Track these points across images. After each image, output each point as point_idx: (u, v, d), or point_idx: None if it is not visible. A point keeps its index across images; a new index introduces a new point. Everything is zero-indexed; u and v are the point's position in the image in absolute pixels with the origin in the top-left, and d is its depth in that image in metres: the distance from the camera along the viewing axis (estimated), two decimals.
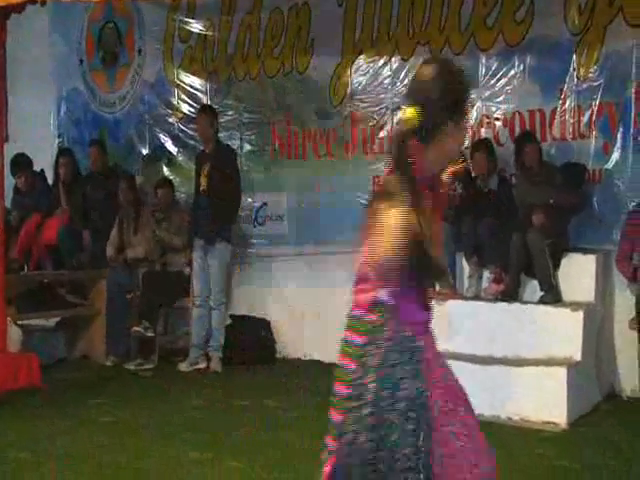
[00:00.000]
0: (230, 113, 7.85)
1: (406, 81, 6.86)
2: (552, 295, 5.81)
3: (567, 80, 6.18)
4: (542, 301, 5.81)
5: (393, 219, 2.26)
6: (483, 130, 6.55)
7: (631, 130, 5.97)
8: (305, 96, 7.45)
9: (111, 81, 8.88)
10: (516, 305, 5.85)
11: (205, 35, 8.00)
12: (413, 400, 2.35)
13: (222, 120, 7.56)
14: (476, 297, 6.11)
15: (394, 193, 2.30)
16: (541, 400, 5.31)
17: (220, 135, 7.32)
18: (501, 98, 6.50)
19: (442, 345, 2.59)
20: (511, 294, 5.92)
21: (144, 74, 8.57)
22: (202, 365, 7.05)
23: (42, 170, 8.16)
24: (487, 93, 6.50)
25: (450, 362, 2.55)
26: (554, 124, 6.27)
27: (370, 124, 7.10)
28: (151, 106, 8.49)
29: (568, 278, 5.90)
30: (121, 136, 8.77)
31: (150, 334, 7.11)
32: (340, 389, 2.41)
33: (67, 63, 9.16)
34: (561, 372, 5.33)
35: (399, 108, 6.94)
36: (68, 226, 7.71)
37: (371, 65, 7.09)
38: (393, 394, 2.34)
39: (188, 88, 8.17)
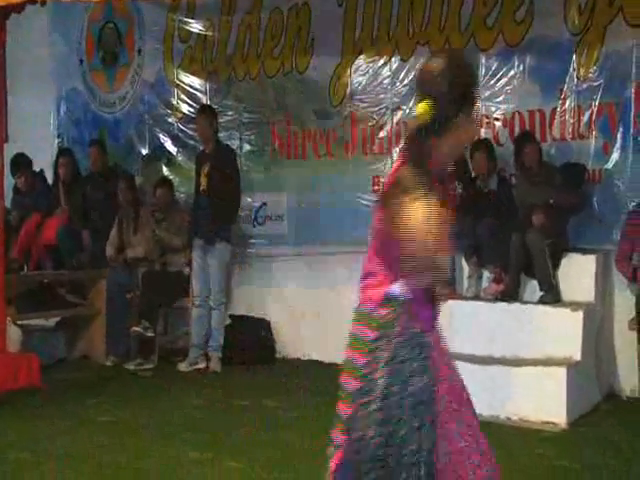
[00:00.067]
0: (230, 113, 7.84)
1: (406, 81, 6.88)
2: (552, 295, 5.81)
3: (567, 80, 6.18)
4: (542, 301, 5.81)
5: (421, 211, 2.25)
6: (483, 130, 6.55)
7: (631, 130, 5.97)
8: (305, 96, 7.45)
9: (111, 81, 8.88)
10: (516, 305, 5.86)
11: (205, 35, 8.00)
12: (421, 396, 2.35)
13: (222, 120, 7.56)
14: (476, 297, 6.12)
15: (412, 187, 2.29)
16: (541, 400, 5.31)
17: (220, 135, 7.32)
18: (501, 98, 6.49)
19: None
20: (511, 294, 5.92)
21: (144, 74, 8.56)
22: (202, 365, 7.05)
23: (42, 170, 8.17)
24: (487, 93, 6.49)
25: None
26: (554, 124, 6.27)
27: (370, 124, 7.10)
28: (151, 106, 8.48)
29: (568, 278, 5.90)
30: (121, 136, 8.76)
31: (150, 334, 7.10)
32: (350, 384, 2.42)
33: (67, 63, 9.16)
34: (561, 372, 5.34)
35: (399, 108, 6.97)
36: (68, 226, 7.71)
37: (371, 65, 7.09)
38: (402, 390, 2.35)
39: (188, 88, 8.17)
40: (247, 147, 7.81)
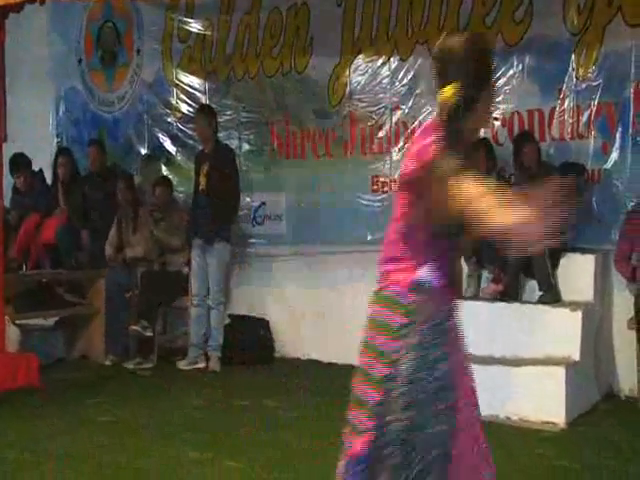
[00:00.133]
0: (229, 113, 7.84)
1: (405, 81, 6.89)
2: (551, 295, 5.82)
3: (566, 80, 6.18)
4: (541, 301, 5.81)
5: (475, 188, 2.24)
6: (482, 130, 6.54)
7: (630, 130, 5.97)
8: (304, 96, 7.44)
9: (110, 81, 8.88)
10: (515, 305, 5.86)
11: (204, 35, 8.00)
12: (444, 381, 2.38)
13: (221, 120, 7.55)
14: (475, 297, 6.12)
15: (452, 168, 2.29)
16: (540, 400, 5.32)
17: (219, 135, 7.32)
18: (500, 98, 6.49)
19: None
20: (510, 294, 5.92)
21: (143, 74, 8.56)
22: (201, 364, 7.05)
23: (41, 170, 8.15)
24: None
25: None
26: (553, 124, 6.26)
27: (369, 124, 7.10)
28: (150, 106, 8.48)
29: (567, 278, 5.90)
30: (120, 136, 8.76)
31: (149, 333, 7.10)
32: (377, 369, 2.43)
33: (66, 63, 9.15)
34: (560, 372, 5.34)
35: (398, 107, 6.97)
36: (67, 226, 7.70)
37: (370, 65, 7.08)
38: (428, 375, 2.37)
39: (187, 88, 8.17)
40: (246, 147, 7.81)
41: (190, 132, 8.01)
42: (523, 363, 5.50)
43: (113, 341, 7.38)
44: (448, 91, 2.39)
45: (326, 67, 7.26)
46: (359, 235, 7.01)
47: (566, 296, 5.87)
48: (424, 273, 2.41)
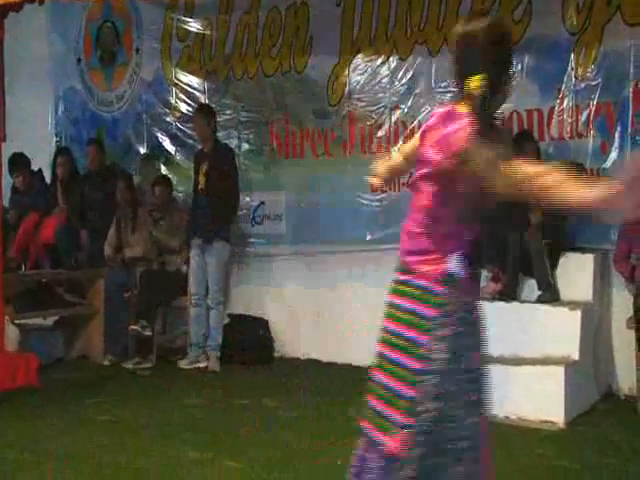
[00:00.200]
0: (228, 112, 7.84)
1: (404, 80, 6.89)
2: (550, 294, 5.82)
3: (565, 79, 6.18)
4: (540, 300, 5.81)
5: (532, 167, 2.29)
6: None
7: (629, 129, 5.96)
8: (303, 95, 7.44)
9: (109, 80, 8.87)
10: (514, 304, 5.86)
11: (203, 34, 7.99)
12: (473, 372, 2.40)
13: (220, 119, 7.55)
14: None
15: (495, 155, 2.32)
16: (539, 399, 5.32)
17: (218, 134, 7.32)
18: None
19: None
20: (509, 293, 5.92)
21: (142, 73, 8.56)
22: (202, 364, 7.05)
23: (40, 169, 8.15)
24: None
25: None
26: (552, 123, 6.26)
27: (368, 123, 7.10)
28: (149, 105, 8.48)
29: (566, 277, 5.91)
30: (119, 135, 8.76)
31: (148, 333, 7.10)
32: (409, 363, 2.43)
33: (65, 62, 9.15)
34: (559, 371, 5.34)
35: (397, 107, 6.97)
36: (66, 225, 7.70)
37: (369, 64, 7.08)
38: (458, 366, 2.38)
39: (186, 87, 8.16)
40: (245, 146, 7.81)
41: (189, 131, 8.01)
42: (522, 362, 5.50)
43: (112, 341, 7.38)
44: (475, 82, 2.41)
45: (325, 67, 7.26)
46: (358, 235, 7.01)
47: (565, 295, 5.87)
48: (453, 264, 2.42)
